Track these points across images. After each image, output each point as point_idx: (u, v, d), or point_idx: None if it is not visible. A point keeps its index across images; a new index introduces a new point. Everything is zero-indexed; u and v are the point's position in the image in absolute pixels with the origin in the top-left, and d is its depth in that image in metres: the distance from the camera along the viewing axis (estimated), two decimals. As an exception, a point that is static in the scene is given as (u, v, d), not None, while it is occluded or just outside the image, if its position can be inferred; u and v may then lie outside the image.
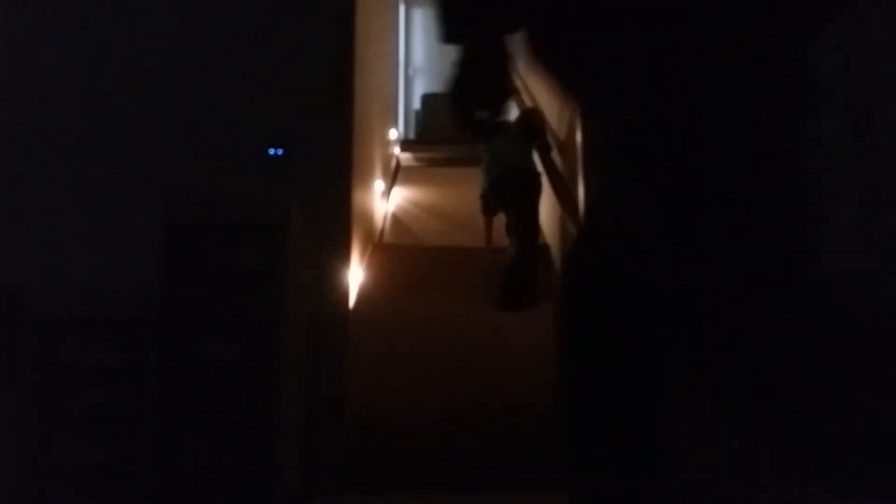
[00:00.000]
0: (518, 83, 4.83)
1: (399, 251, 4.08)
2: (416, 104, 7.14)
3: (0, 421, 1.88)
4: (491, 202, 3.49)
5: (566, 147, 3.12)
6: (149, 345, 1.87)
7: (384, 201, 4.68)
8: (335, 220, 2.06)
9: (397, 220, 4.69)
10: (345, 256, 2.11)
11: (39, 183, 2.06)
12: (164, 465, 1.77)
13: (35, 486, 1.82)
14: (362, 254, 3.37)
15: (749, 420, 0.83)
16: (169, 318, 1.83)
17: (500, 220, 3.51)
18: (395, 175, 5.29)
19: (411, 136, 6.75)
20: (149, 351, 1.87)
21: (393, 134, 5.61)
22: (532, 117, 3.62)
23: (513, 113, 3.93)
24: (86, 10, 2.13)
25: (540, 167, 3.30)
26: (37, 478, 1.83)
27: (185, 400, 1.80)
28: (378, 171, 4.30)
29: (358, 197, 2.73)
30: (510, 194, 3.23)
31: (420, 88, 7.34)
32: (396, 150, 5.66)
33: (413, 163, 5.72)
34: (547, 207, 3.52)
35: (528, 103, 4.26)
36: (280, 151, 2.02)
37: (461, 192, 4.40)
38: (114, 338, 1.93)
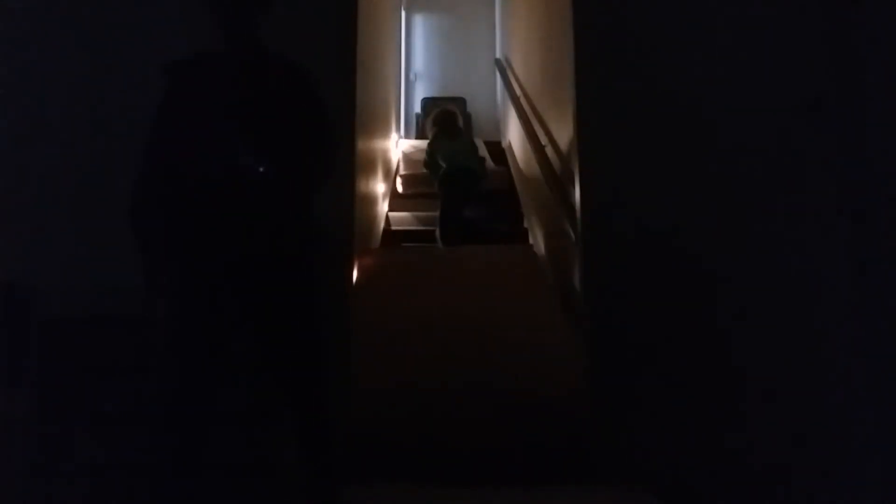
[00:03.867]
0: (519, 91, 4.87)
1: (400, 250, 4.12)
2: (417, 107, 7.18)
3: (7, 420, 1.90)
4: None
5: (564, 150, 3.15)
6: (155, 342, 1.90)
7: (386, 201, 4.72)
8: (338, 220, 2.09)
9: (399, 220, 4.72)
10: (347, 255, 2.14)
11: (45, 183, 2.09)
12: (169, 461, 1.79)
13: (41, 484, 1.85)
14: (364, 253, 3.40)
15: None
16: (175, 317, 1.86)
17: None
18: (395, 176, 5.33)
19: (412, 138, 6.81)
20: (155, 349, 1.90)
21: (394, 136, 5.66)
22: (449, 117, 4.42)
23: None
24: (88, 10, 2.16)
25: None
26: (42, 476, 1.85)
27: (191, 396, 1.82)
28: (380, 173, 4.34)
29: (360, 197, 2.76)
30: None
31: (421, 92, 7.37)
32: (398, 152, 5.71)
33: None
34: (546, 208, 3.56)
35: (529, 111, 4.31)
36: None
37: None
38: (121, 336, 1.96)
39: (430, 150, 4.38)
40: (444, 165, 4.16)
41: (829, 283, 1.04)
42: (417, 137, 6.67)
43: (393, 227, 4.63)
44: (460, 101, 6.93)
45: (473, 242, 4.03)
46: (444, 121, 4.41)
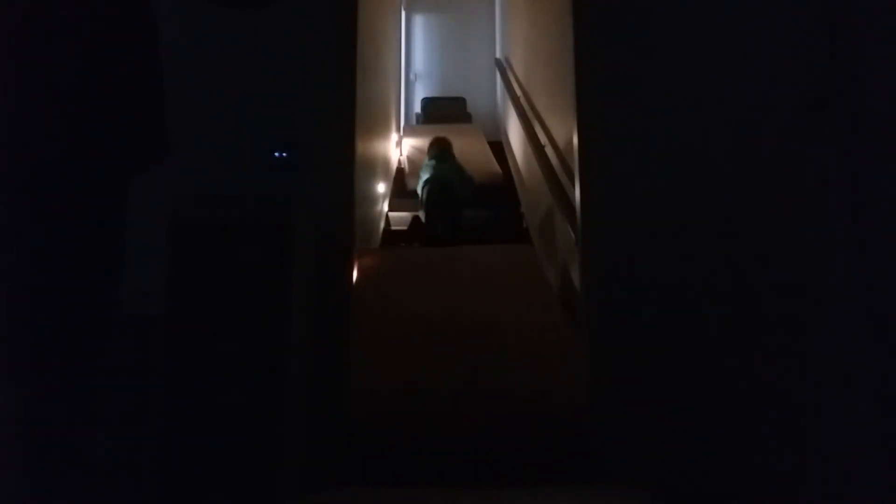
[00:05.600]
0: (519, 91, 4.87)
1: (399, 250, 4.12)
2: (417, 107, 7.19)
3: (8, 419, 1.90)
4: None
5: (564, 150, 3.16)
6: (156, 342, 1.91)
7: (386, 201, 4.73)
8: (337, 220, 2.09)
9: (399, 220, 4.73)
10: (347, 255, 2.14)
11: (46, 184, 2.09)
12: (170, 461, 1.80)
13: (40, 482, 1.85)
14: (364, 252, 3.41)
15: None
16: (176, 316, 1.87)
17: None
18: (396, 175, 5.34)
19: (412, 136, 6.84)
20: (156, 348, 1.91)
21: (394, 136, 5.66)
22: (443, 144, 4.65)
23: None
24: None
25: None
26: (42, 474, 1.85)
27: (191, 395, 1.83)
28: (380, 173, 4.34)
29: (360, 197, 2.76)
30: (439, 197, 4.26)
31: (421, 92, 7.38)
32: (398, 151, 5.72)
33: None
34: (545, 208, 3.57)
35: (530, 114, 4.31)
36: (285, 153, 2.06)
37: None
38: (122, 335, 1.96)
39: (420, 168, 4.63)
40: (426, 177, 4.44)
41: (830, 285, 1.04)
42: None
43: (393, 227, 4.65)
44: (460, 101, 6.94)
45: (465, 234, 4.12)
46: (439, 145, 4.68)
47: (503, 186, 5.05)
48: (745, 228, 1.35)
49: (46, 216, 1.26)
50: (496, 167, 5.21)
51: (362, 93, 2.57)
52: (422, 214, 4.33)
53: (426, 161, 4.58)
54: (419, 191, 4.41)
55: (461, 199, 4.31)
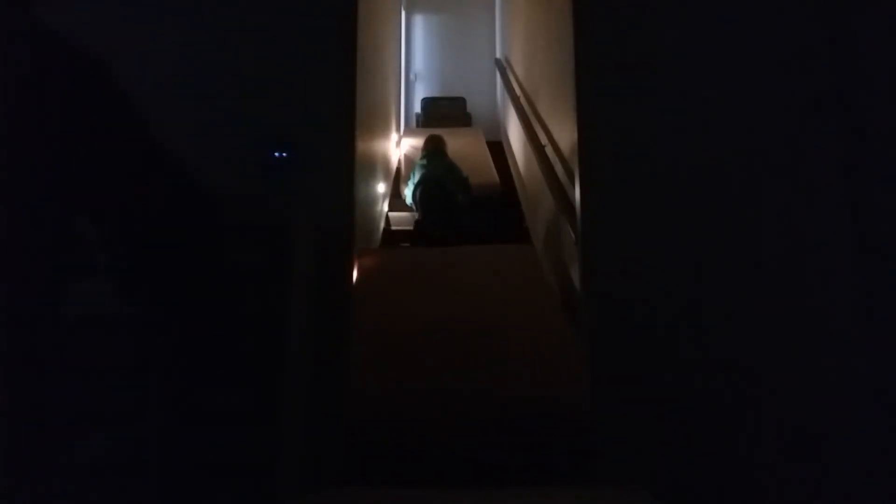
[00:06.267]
0: (519, 91, 4.87)
1: (399, 250, 4.12)
2: (417, 107, 7.19)
3: (6, 418, 1.90)
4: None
5: (564, 150, 3.16)
6: (156, 342, 1.91)
7: (386, 201, 4.72)
8: (337, 220, 2.09)
9: (399, 220, 4.73)
10: (347, 255, 2.14)
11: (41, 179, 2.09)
12: (168, 461, 1.80)
13: (37, 482, 1.84)
14: (364, 252, 3.41)
15: None
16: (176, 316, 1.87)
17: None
18: (396, 175, 5.34)
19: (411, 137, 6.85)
20: (156, 348, 1.90)
21: (394, 136, 5.66)
22: (437, 142, 4.61)
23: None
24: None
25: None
26: (38, 474, 1.85)
27: (191, 395, 1.83)
28: (380, 173, 4.34)
29: (360, 197, 2.76)
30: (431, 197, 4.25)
31: (421, 92, 7.38)
32: (397, 151, 5.72)
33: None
34: (545, 208, 3.57)
35: (530, 114, 4.31)
36: (285, 153, 2.07)
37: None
38: (123, 335, 1.96)
39: (413, 168, 4.57)
40: (417, 177, 4.39)
41: (832, 286, 1.04)
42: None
43: (393, 227, 4.65)
44: (460, 101, 6.94)
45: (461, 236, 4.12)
46: (433, 143, 4.62)
47: (502, 192, 5.03)
48: (744, 228, 1.35)
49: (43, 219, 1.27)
50: (495, 177, 5.14)
51: (362, 92, 2.57)
52: (419, 214, 4.32)
53: (418, 161, 4.55)
54: (411, 193, 4.39)
55: (458, 200, 4.28)
